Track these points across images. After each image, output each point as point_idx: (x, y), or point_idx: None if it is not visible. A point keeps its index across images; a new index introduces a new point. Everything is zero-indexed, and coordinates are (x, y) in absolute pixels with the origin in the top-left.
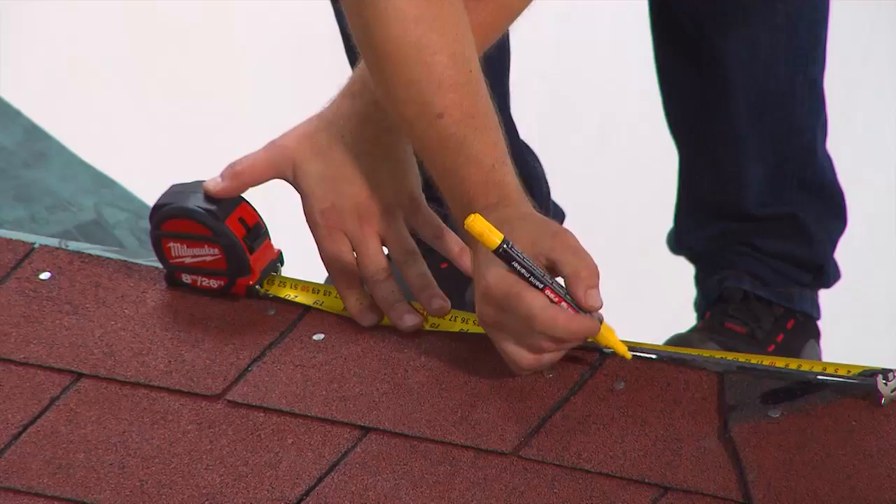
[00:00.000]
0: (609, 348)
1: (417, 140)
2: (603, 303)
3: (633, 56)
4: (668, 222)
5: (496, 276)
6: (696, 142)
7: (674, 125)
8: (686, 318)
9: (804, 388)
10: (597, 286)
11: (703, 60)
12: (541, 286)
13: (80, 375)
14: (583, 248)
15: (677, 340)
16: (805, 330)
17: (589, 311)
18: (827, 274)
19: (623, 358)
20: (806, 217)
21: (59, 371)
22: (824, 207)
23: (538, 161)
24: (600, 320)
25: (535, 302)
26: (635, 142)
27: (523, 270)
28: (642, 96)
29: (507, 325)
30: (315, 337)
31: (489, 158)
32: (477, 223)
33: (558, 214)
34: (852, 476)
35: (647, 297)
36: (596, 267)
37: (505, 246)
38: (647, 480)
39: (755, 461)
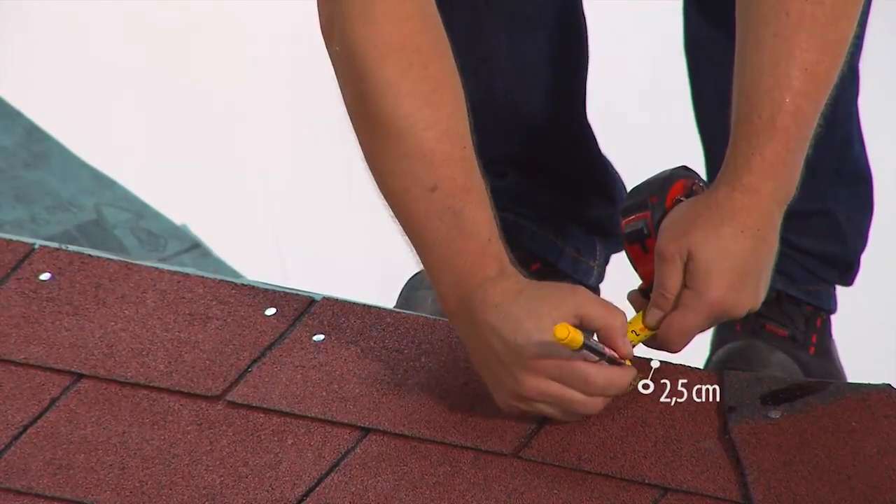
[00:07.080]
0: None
1: (405, 213)
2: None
3: (635, 57)
4: None
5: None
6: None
7: (706, 110)
8: None
9: (804, 390)
10: (626, 334)
11: None
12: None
13: (80, 376)
14: (603, 298)
15: (737, 352)
16: (828, 328)
17: (625, 358)
18: (854, 272)
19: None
20: (839, 213)
21: (60, 372)
22: (858, 200)
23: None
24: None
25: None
26: (646, 140)
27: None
28: (643, 97)
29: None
30: (315, 338)
31: (485, 232)
32: (561, 330)
33: None
34: (852, 477)
35: None
36: (623, 314)
37: (586, 341)
38: (647, 481)
39: (755, 462)
